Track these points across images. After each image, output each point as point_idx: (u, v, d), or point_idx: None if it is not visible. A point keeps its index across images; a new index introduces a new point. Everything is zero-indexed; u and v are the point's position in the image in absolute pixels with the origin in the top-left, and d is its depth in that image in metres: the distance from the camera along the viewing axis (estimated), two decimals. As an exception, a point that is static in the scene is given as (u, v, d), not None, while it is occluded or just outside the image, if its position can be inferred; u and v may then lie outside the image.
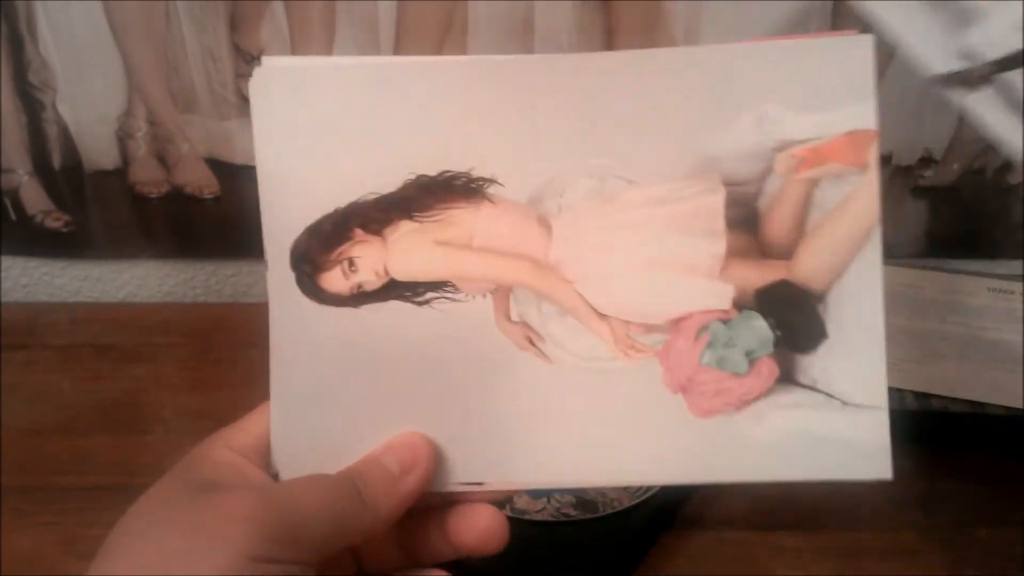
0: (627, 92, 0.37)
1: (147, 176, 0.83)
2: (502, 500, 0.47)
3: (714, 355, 0.37)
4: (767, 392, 0.37)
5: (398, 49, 0.76)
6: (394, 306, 0.39)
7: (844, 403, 0.37)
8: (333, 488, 0.36)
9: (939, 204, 0.83)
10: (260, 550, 0.32)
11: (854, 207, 0.37)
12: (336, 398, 0.39)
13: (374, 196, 0.38)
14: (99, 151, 0.82)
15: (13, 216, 0.84)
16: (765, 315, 0.37)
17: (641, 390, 0.38)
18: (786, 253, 0.37)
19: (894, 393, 0.51)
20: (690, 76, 0.37)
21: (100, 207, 0.85)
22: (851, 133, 0.36)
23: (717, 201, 0.37)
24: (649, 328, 0.38)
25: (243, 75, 0.79)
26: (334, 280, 0.39)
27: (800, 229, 0.37)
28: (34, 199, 0.84)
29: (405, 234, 0.39)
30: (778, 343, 0.37)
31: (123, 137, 0.81)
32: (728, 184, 0.37)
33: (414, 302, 0.39)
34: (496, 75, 0.38)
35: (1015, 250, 0.83)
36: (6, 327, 0.81)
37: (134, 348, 0.78)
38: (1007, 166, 0.79)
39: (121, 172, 0.83)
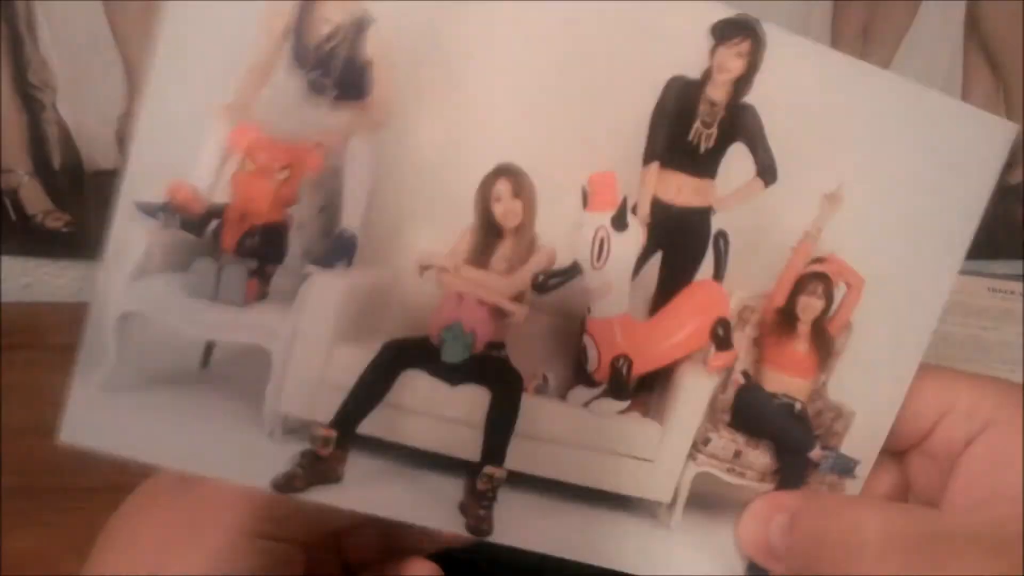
0: None
1: (147, 176, 0.83)
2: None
3: None
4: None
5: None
6: None
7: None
8: None
9: (939, 204, 0.83)
10: (254, 526, 0.33)
11: None
12: None
13: None
14: (99, 151, 0.82)
15: (13, 216, 0.84)
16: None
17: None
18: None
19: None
20: None
21: (100, 207, 0.84)
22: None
23: None
24: None
25: (243, 75, 0.79)
26: None
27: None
28: (34, 199, 0.84)
29: None
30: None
31: (123, 137, 0.81)
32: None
33: None
34: None
35: (1015, 250, 0.83)
36: (6, 327, 0.80)
37: (134, 348, 0.78)
38: (1008, 166, 0.79)
39: (121, 172, 0.83)
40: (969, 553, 0.29)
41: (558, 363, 0.37)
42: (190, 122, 0.31)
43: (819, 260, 0.36)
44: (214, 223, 0.33)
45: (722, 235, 0.36)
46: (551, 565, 0.54)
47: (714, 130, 0.34)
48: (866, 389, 0.36)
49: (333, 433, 0.33)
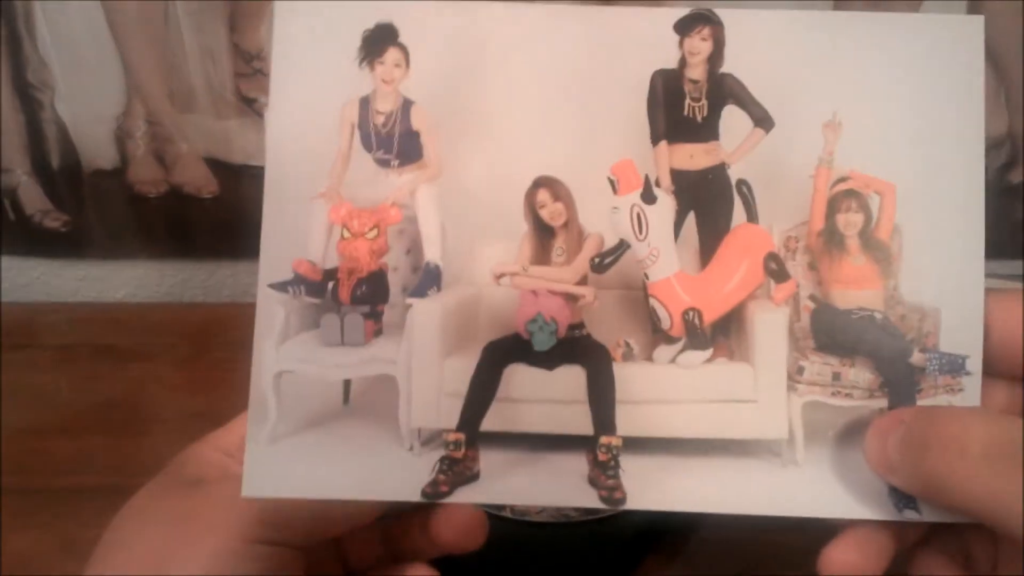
0: None
1: (146, 176, 0.83)
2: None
3: None
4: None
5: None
6: None
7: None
8: None
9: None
10: (251, 532, 0.33)
11: None
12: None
13: None
14: (98, 151, 0.82)
15: (12, 216, 0.84)
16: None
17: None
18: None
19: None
20: None
21: (98, 207, 0.85)
22: None
23: None
24: None
25: (242, 75, 0.78)
26: None
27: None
28: (33, 199, 0.84)
29: None
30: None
31: (122, 137, 0.81)
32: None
33: None
34: None
35: (1015, 250, 0.83)
36: (5, 327, 0.80)
37: (132, 348, 0.78)
38: (1008, 166, 0.79)
39: (120, 172, 0.83)
40: None
41: (636, 330, 0.42)
42: (299, 211, 0.39)
43: (843, 179, 0.39)
44: (331, 284, 0.40)
45: (743, 182, 0.40)
46: (551, 565, 0.54)
47: (703, 101, 0.40)
48: (941, 284, 0.38)
49: (461, 435, 0.38)
